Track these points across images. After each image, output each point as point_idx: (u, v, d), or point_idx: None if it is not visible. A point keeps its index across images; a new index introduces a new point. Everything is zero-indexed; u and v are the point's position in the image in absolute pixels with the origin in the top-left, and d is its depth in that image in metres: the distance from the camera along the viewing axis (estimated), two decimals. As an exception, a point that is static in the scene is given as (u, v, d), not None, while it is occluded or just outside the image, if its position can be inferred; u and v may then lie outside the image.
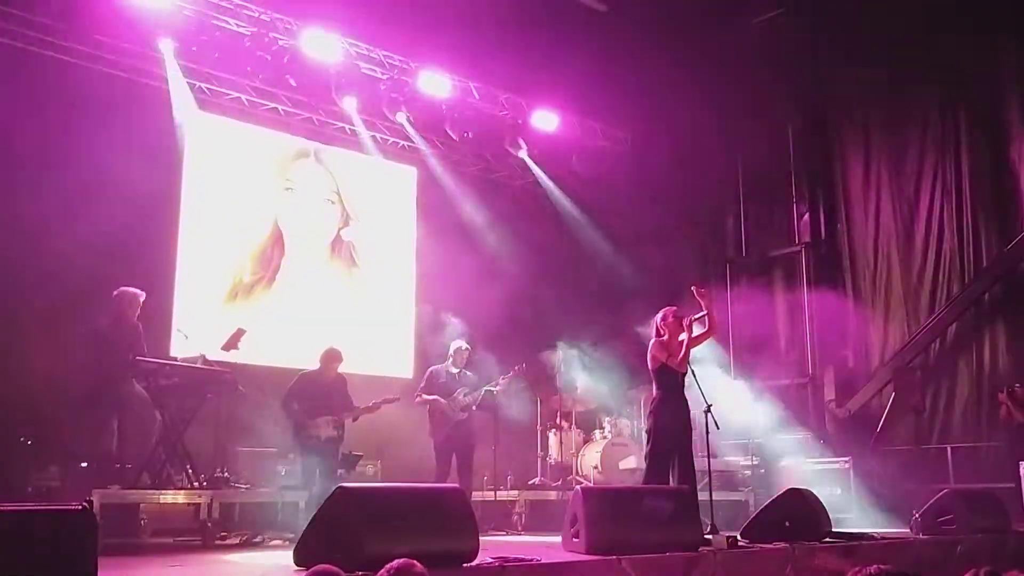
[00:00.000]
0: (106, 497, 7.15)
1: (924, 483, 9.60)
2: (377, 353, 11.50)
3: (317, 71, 10.70)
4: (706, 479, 7.85)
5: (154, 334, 8.75)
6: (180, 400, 8.13)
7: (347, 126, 11.83)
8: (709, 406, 7.32)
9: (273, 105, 11.24)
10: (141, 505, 7.68)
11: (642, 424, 9.81)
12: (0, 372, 8.25)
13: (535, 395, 10.96)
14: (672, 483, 7.37)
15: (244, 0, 10.12)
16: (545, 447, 11.15)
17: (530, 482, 10.70)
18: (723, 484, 9.81)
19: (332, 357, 8.76)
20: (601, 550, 5.60)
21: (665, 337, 7.72)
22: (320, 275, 11.67)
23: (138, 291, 8.20)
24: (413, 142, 12.19)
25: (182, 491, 7.81)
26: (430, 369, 9.57)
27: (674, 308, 7.89)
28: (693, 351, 7.74)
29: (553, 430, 11.19)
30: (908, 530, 7.90)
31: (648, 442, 7.77)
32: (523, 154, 12.62)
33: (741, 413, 10.17)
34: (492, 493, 9.63)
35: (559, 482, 10.66)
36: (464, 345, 9.54)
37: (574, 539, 5.88)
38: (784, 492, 7.33)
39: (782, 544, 6.49)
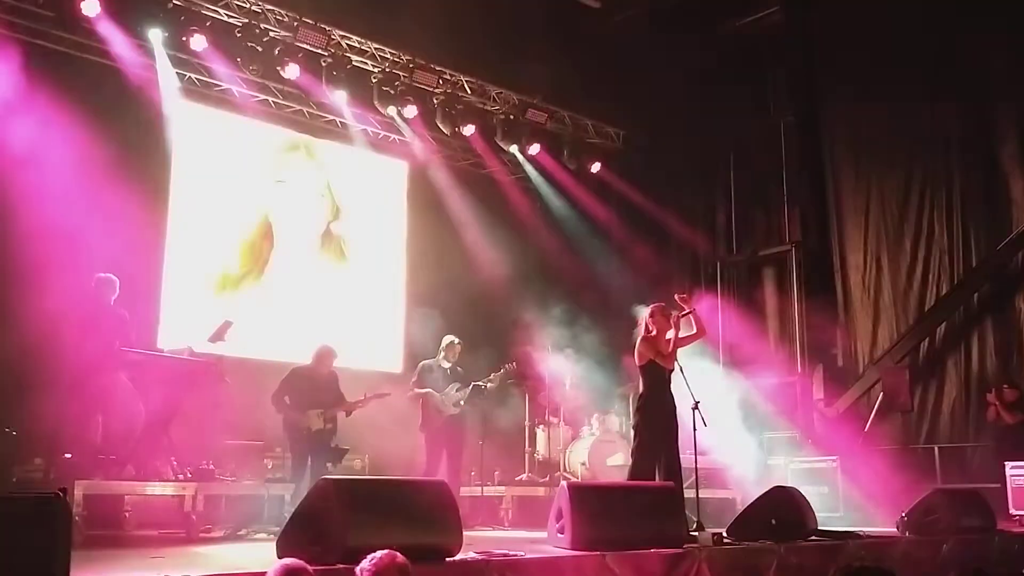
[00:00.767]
0: (90, 488, 7.12)
1: (911, 483, 9.60)
2: (366, 347, 11.48)
3: (308, 63, 10.65)
4: (692, 476, 7.84)
5: (141, 325, 8.71)
6: (166, 391, 8.07)
7: (338, 119, 11.79)
8: (697, 403, 7.30)
9: (264, 97, 11.20)
10: (126, 497, 7.64)
11: (630, 420, 9.79)
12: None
13: (524, 391, 10.94)
14: (658, 480, 7.37)
15: (235, -9, 10.09)
16: (533, 443, 11.13)
17: (517, 478, 10.68)
18: (710, 482, 9.79)
19: (326, 354, 8.78)
20: (586, 545, 5.59)
21: (653, 333, 7.72)
22: (310, 268, 11.64)
23: (112, 276, 8.10)
24: (404, 136, 12.16)
25: (167, 483, 7.78)
26: (422, 363, 9.56)
27: (661, 304, 7.89)
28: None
29: (541, 426, 11.17)
30: (895, 529, 7.90)
31: (635, 438, 7.77)
32: (514, 150, 12.59)
33: (729, 410, 10.17)
34: (480, 488, 9.62)
35: (546, 478, 10.65)
36: (455, 340, 9.54)
37: (559, 534, 5.87)
38: (770, 490, 7.33)
39: (768, 542, 6.49)
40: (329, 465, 8.51)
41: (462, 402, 9.29)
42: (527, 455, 11.03)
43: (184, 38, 9.82)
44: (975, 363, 11.09)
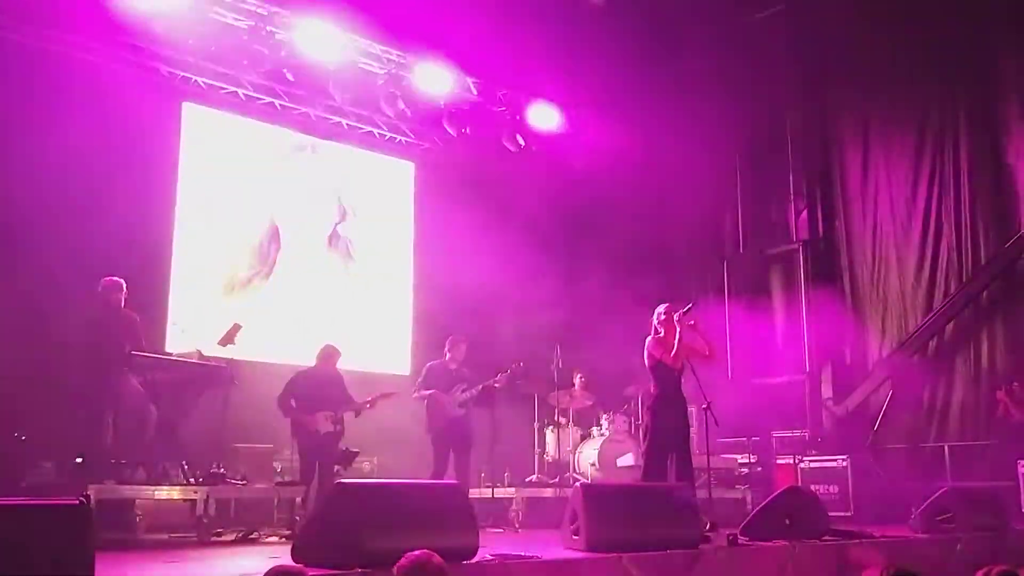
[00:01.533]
0: (101, 492, 7.08)
1: (921, 481, 9.57)
2: (374, 349, 11.47)
3: (314, 65, 10.65)
4: (703, 476, 7.82)
5: (150, 328, 8.70)
6: (176, 395, 8.06)
7: (344, 121, 11.78)
8: (708, 403, 7.28)
9: (270, 99, 11.19)
10: (136, 501, 7.60)
11: (640, 421, 9.78)
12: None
13: (533, 392, 10.92)
14: (670, 480, 7.35)
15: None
16: (542, 444, 11.10)
17: (527, 479, 10.65)
18: (720, 481, 9.79)
19: (329, 353, 8.76)
20: (601, 547, 5.56)
21: (662, 334, 7.71)
22: (317, 270, 11.63)
23: (118, 279, 8.08)
24: (411, 137, 12.14)
25: (177, 487, 7.75)
26: (428, 365, 9.54)
27: (669, 305, 7.88)
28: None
29: (551, 427, 11.15)
30: (907, 528, 7.87)
31: (645, 439, 7.75)
32: (521, 150, 12.57)
33: (739, 410, 10.13)
34: (489, 490, 9.60)
35: (556, 479, 10.63)
36: (461, 341, 9.50)
37: (574, 536, 5.83)
38: (784, 490, 7.30)
39: (782, 542, 6.47)
40: (338, 468, 8.50)
41: (470, 403, 9.26)
42: (536, 456, 11.01)
43: (191, 40, 9.81)
44: (985, 360, 11.05)
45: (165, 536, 7.79)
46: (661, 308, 7.82)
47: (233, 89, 10.85)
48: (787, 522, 6.76)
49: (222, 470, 8.14)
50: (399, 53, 11.30)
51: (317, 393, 8.53)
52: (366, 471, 9.81)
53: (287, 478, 8.89)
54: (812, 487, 9.27)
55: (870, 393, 11.57)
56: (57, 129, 9.01)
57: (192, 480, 7.84)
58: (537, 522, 9.45)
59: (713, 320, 11.18)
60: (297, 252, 11.47)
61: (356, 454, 8.82)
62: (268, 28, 10.24)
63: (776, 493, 7.30)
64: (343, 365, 8.90)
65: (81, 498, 3.54)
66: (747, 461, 10.74)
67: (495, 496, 9.66)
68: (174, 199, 10.46)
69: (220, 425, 8.44)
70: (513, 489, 10.03)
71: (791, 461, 10.54)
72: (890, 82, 11.79)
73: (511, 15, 11.54)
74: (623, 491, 6.83)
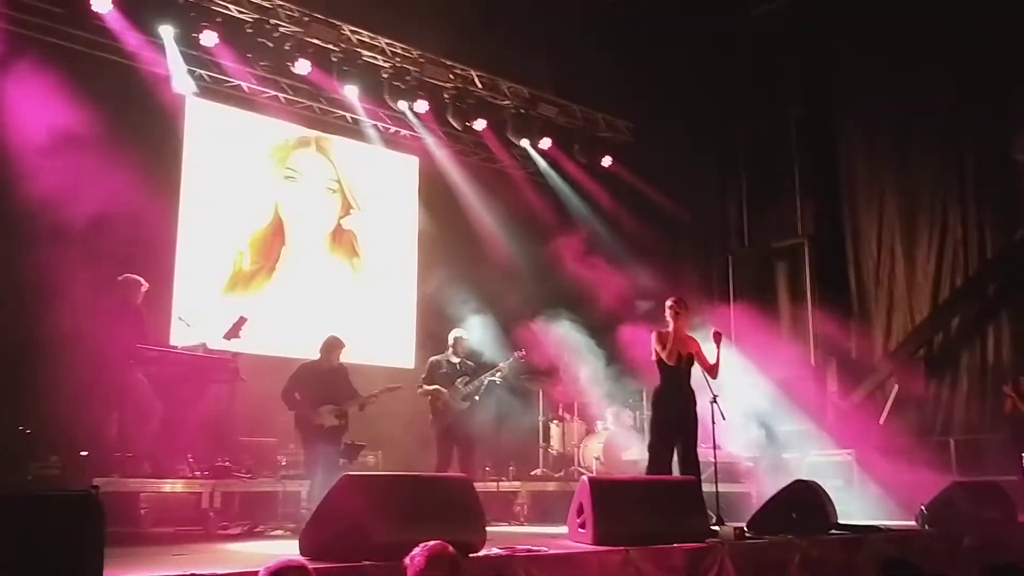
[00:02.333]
0: (107, 486, 7.05)
1: (926, 475, 9.55)
2: (378, 343, 11.44)
3: (319, 59, 10.62)
4: (708, 470, 7.80)
5: (154, 322, 8.70)
6: (181, 388, 8.05)
7: (349, 115, 11.75)
8: (715, 396, 7.27)
9: (274, 93, 11.17)
10: (142, 494, 7.61)
11: (645, 415, 9.79)
12: (-1, 361, 8.19)
13: (537, 386, 10.90)
14: (674, 474, 7.34)
15: (246, -14, 10.06)
16: (547, 438, 11.10)
17: (532, 473, 10.65)
18: (726, 476, 9.76)
19: (333, 345, 8.73)
20: (608, 540, 5.56)
21: (669, 328, 7.69)
22: (321, 264, 11.61)
23: (141, 279, 8.15)
24: (415, 131, 12.12)
25: (183, 480, 7.76)
26: (431, 359, 9.52)
27: (674, 297, 7.86)
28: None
29: (555, 421, 11.14)
30: (913, 522, 7.85)
31: (650, 433, 7.74)
32: (525, 144, 12.57)
33: (745, 404, 10.12)
34: (494, 484, 9.59)
35: (561, 473, 10.62)
36: (463, 335, 9.49)
37: (580, 529, 5.83)
38: (791, 484, 7.29)
39: (789, 536, 6.46)
40: (343, 461, 8.48)
41: (475, 396, 9.24)
42: (541, 450, 11.00)
43: (195, 34, 9.81)
44: (990, 355, 11.04)
45: (170, 529, 7.78)
46: (669, 301, 7.79)
47: (237, 83, 10.82)
48: (794, 516, 6.75)
49: (227, 463, 8.15)
50: (403, 46, 11.26)
51: (321, 387, 8.49)
52: (371, 464, 9.79)
53: (292, 472, 8.88)
54: (818, 481, 9.25)
55: (876, 387, 11.55)
56: (61, 123, 8.98)
57: (197, 473, 7.84)
58: (542, 516, 9.46)
59: (718, 315, 11.19)
60: (301, 246, 11.45)
61: (361, 447, 8.81)
62: (272, 21, 10.20)
63: (783, 487, 7.29)
64: (347, 358, 8.88)
65: (90, 488, 3.53)
66: (753, 455, 10.71)
67: (500, 490, 9.67)
68: (178, 193, 10.43)
69: (225, 418, 8.44)
70: (518, 483, 10.04)
71: (798, 455, 10.53)
72: (896, 74, 11.73)
73: (515, 8, 11.53)
74: (630, 485, 6.84)
